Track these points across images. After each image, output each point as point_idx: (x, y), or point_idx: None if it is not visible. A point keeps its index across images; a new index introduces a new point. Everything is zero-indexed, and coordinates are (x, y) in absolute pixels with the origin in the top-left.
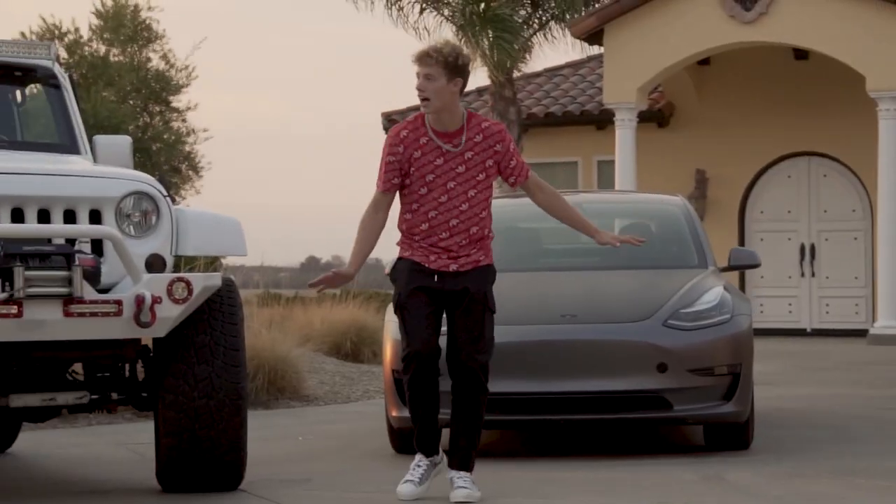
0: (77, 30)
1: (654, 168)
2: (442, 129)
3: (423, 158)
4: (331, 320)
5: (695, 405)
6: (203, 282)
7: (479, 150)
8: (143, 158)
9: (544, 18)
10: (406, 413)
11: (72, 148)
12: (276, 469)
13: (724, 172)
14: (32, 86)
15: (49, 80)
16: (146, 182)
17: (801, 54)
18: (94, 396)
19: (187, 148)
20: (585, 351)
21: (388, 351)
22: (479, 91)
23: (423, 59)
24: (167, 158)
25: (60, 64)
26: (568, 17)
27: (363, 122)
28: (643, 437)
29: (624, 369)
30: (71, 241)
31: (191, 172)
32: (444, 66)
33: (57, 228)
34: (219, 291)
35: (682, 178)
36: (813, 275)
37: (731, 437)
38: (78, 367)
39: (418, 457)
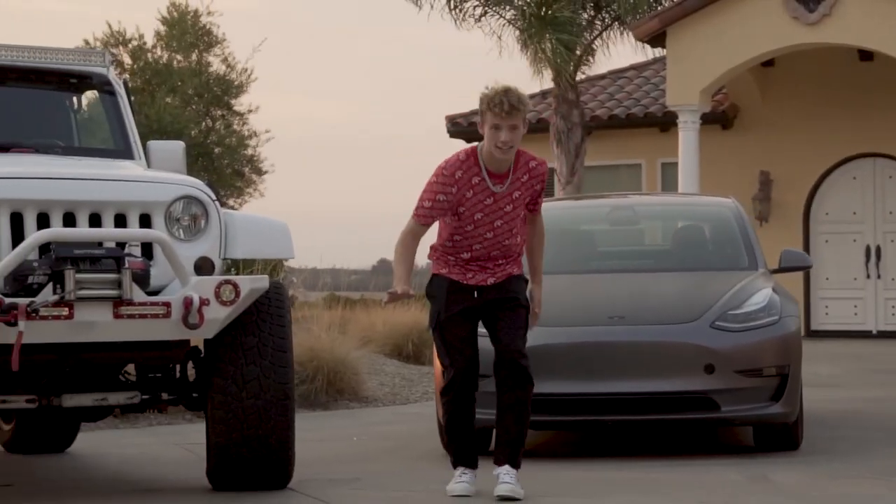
0: (142, 36)
1: (719, 170)
2: (495, 170)
3: (475, 198)
4: (393, 322)
5: (742, 406)
6: (250, 284)
7: (524, 190)
8: (205, 162)
9: (607, 20)
10: None
11: (126, 153)
12: (327, 469)
13: (789, 174)
14: (90, 93)
15: (104, 87)
16: (195, 186)
17: (865, 55)
18: (144, 397)
19: (249, 151)
20: (632, 352)
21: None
22: (543, 94)
23: (512, 112)
24: (230, 162)
25: (124, 70)
26: (630, 19)
27: (427, 125)
28: (695, 438)
29: (671, 370)
30: (121, 245)
31: (254, 175)
32: (524, 116)
33: (106, 232)
34: (267, 294)
35: (746, 179)
36: (879, 276)
37: (780, 438)
38: (130, 368)
39: (460, 469)
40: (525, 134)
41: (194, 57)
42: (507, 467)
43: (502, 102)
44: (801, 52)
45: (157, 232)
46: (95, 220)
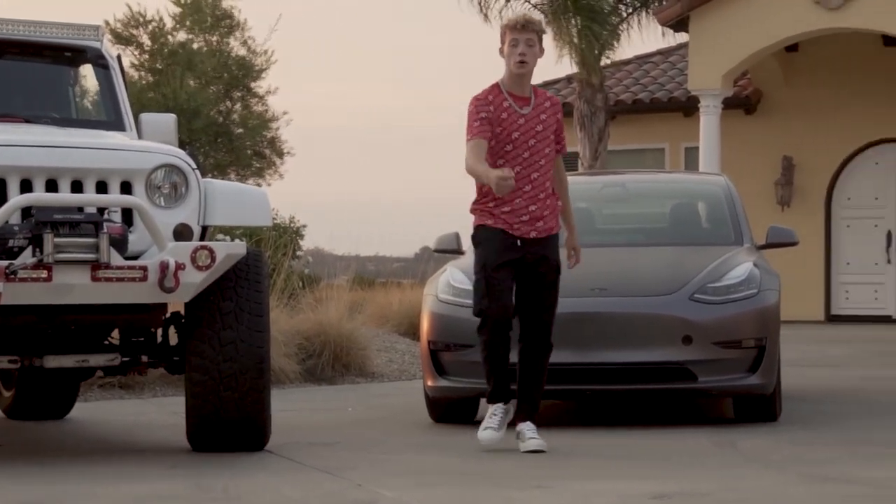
0: (161, 18)
1: (741, 154)
2: (519, 94)
3: (509, 119)
4: (408, 301)
5: (720, 377)
6: (226, 250)
7: (549, 114)
8: (224, 143)
9: (634, 5)
10: (441, 382)
11: (117, 125)
12: (313, 435)
13: (811, 159)
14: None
15: (98, 61)
16: (175, 155)
17: (890, 41)
18: (125, 359)
19: (270, 133)
20: (612, 323)
21: (426, 324)
22: (569, 78)
23: (527, 26)
24: (251, 143)
25: (143, 51)
26: (655, 3)
27: (453, 115)
28: (681, 410)
29: (650, 341)
30: (101, 212)
31: (275, 157)
32: (538, 34)
33: (83, 197)
34: (246, 260)
35: (769, 164)
36: None
37: (758, 409)
38: (116, 333)
39: (493, 407)
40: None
41: (214, 40)
42: (529, 423)
43: (518, 18)
44: (824, 37)
45: (134, 198)
46: (78, 187)
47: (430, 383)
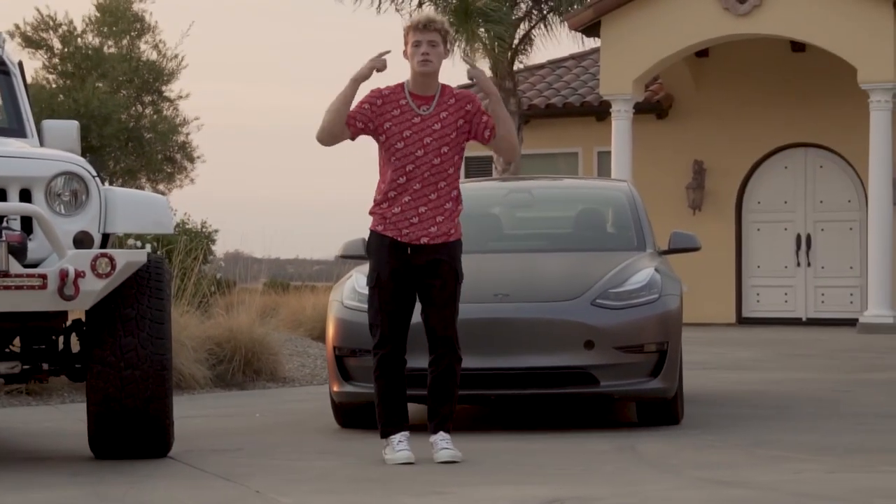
0: (71, 22)
1: (653, 159)
2: (421, 93)
3: (402, 116)
4: (322, 305)
5: (621, 381)
6: (127, 258)
7: (452, 111)
8: (135, 147)
9: (545, 10)
10: (347, 388)
11: (19, 132)
12: (218, 441)
13: (722, 163)
14: None
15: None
16: (75, 163)
17: (798, 46)
18: (25, 367)
19: (181, 138)
20: (515, 328)
21: (331, 330)
22: None
23: (430, 25)
24: (162, 148)
25: (54, 55)
26: (568, 10)
27: None
28: (588, 415)
29: (553, 346)
30: (0, 219)
31: (186, 162)
32: (442, 34)
33: None
34: (147, 268)
35: (680, 168)
36: (809, 265)
37: (660, 413)
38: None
39: (399, 435)
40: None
41: (125, 43)
42: (442, 433)
43: (420, 18)
44: (734, 42)
45: (32, 206)
46: None
47: (335, 389)
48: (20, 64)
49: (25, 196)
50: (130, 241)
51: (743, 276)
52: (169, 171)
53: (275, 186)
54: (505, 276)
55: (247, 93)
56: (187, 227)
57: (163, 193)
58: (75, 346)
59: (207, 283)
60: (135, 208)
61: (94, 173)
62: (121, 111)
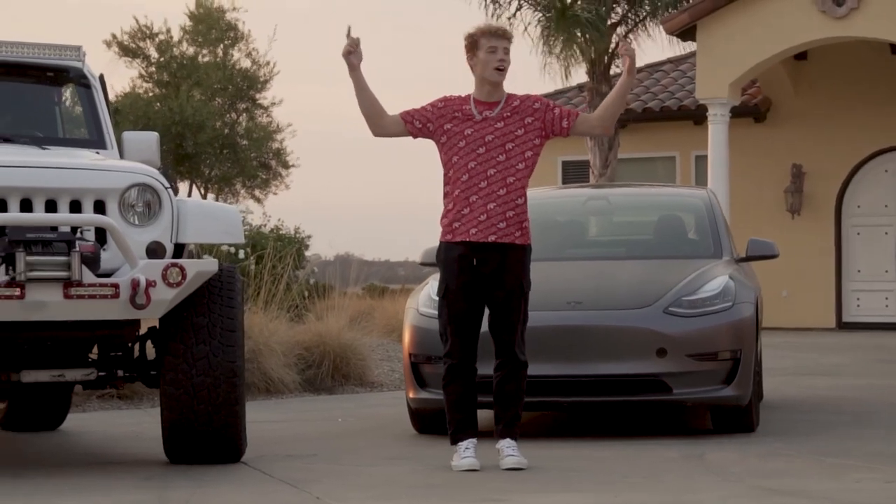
0: (168, 30)
1: (751, 163)
2: (485, 100)
3: (462, 117)
4: None
5: (694, 389)
6: (197, 267)
7: (517, 110)
8: (230, 154)
9: (641, 14)
10: (422, 395)
11: (99, 143)
12: (297, 446)
13: (821, 167)
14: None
15: (80, 81)
16: (149, 175)
17: None
18: (101, 373)
19: (276, 144)
20: (588, 336)
21: (407, 336)
22: (580, 87)
23: (506, 34)
24: (257, 154)
25: (150, 63)
26: (664, 12)
27: None
28: (666, 421)
29: (625, 354)
30: (75, 230)
31: (280, 168)
32: (510, 42)
33: (53, 217)
34: (219, 277)
35: (778, 172)
36: None
37: (735, 420)
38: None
39: (466, 442)
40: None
41: (219, 52)
42: (508, 440)
43: (494, 25)
44: (833, 45)
45: (103, 217)
46: (54, 206)
47: (411, 395)
48: (101, 77)
49: (100, 207)
50: (224, 249)
51: (843, 280)
52: (264, 177)
53: (371, 191)
54: (579, 283)
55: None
56: (280, 232)
57: (258, 199)
58: (151, 353)
59: (299, 288)
60: (206, 219)
61: (167, 185)
62: (215, 119)
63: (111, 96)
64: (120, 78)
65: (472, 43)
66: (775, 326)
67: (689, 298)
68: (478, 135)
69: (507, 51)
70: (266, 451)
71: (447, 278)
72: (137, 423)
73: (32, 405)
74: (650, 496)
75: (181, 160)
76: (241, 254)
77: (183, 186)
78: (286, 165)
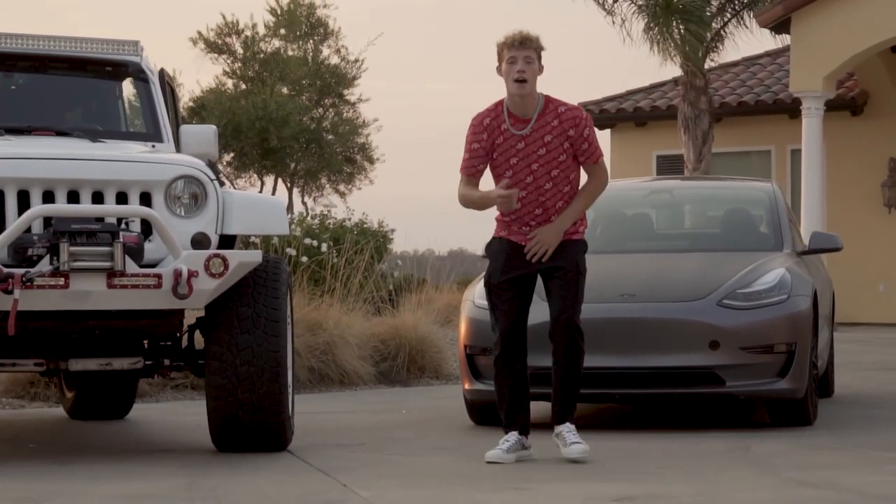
0: (254, 26)
1: (847, 156)
2: (521, 114)
3: (506, 143)
4: None
5: (748, 382)
6: (239, 258)
7: (556, 134)
8: (316, 148)
9: (738, 7)
10: (477, 386)
11: (155, 137)
12: (348, 436)
13: None
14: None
15: (138, 75)
16: (194, 167)
17: None
18: (148, 362)
19: (361, 139)
20: (641, 328)
21: (463, 328)
22: (675, 81)
23: (525, 43)
24: (342, 149)
25: (236, 59)
26: (760, 4)
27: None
28: (721, 414)
29: (678, 346)
30: (120, 221)
31: (366, 163)
32: (536, 50)
33: (97, 208)
34: (263, 268)
35: (875, 166)
36: None
37: (791, 414)
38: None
39: (509, 434)
40: (647, 119)
41: (308, 47)
42: (567, 425)
43: (514, 34)
44: None
45: (146, 208)
46: (100, 198)
47: (467, 386)
48: (162, 71)
49: (146, 199)
50: (306, 243)
51: None
52: (349, 171)
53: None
54: (634, 276)
55: (426, 91)
56: (364, 226)
57: (342, 194)
58: (200, 343)
59: (377, 281)
60: (251, 210)
61: (212, 176)
62: (300, 114)
63: (197, 92)
64: (206, 74)
65: (497, 54)
66: (871, 322)
67: (743, 291)
68: (524, 164)
69: (528, 59)
70: (317, 440)
71: (493, 270)
72: (202, 413)
73: (99, 395)
74: (675, 487)
75: (266, 154)
76: (324, 247)
77: (268, 180)
78: (371, 160)
